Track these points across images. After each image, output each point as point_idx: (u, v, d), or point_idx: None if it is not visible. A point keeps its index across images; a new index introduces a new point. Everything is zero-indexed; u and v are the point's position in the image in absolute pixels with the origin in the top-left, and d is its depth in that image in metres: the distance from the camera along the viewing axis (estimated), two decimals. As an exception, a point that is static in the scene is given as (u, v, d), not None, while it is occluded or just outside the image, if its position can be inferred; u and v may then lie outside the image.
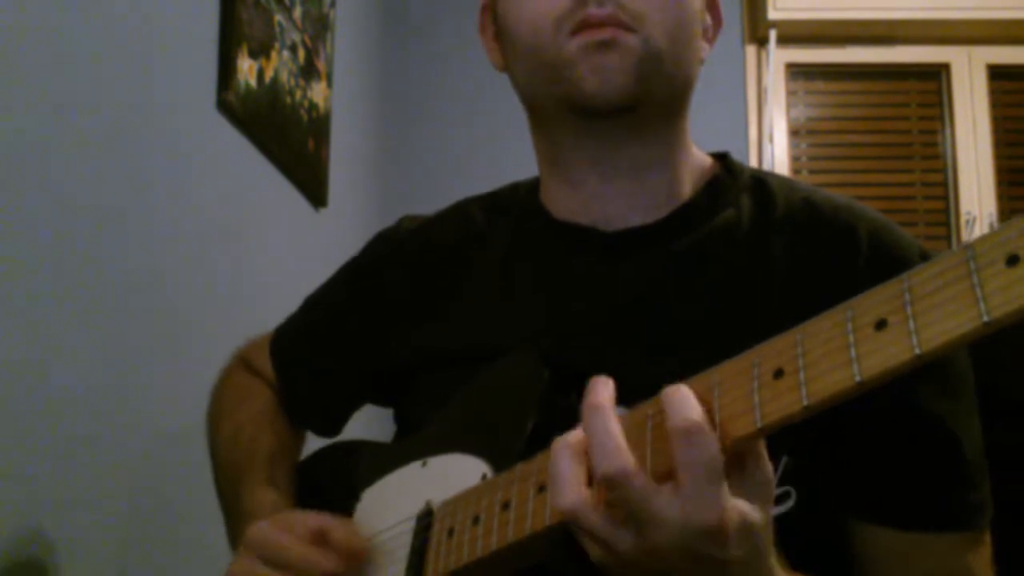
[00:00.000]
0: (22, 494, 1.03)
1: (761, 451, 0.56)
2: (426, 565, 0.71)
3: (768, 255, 0.79)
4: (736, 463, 0.55)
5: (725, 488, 0.53)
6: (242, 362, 1.04)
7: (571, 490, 0.56)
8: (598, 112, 0.78)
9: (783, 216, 0.81)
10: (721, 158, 0.88)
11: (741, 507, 0.54)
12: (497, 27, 0.87)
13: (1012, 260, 0.44)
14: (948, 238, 2.78)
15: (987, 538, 0.75)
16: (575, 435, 0.58)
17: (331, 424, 1.00)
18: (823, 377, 0.50)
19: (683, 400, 0.54)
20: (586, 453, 0.56)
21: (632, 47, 0.76)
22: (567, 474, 0.57)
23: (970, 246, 0.46)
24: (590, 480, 0.56)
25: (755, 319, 0.73)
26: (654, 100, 0.79)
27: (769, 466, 0.56)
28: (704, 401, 0.55)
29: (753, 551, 0.55)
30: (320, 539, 0.74)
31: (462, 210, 0.95)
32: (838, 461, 0.73)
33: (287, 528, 0.75)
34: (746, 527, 0.54)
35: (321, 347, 0.97)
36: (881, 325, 0.48)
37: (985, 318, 0.44)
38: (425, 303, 0.89)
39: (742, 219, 0.81)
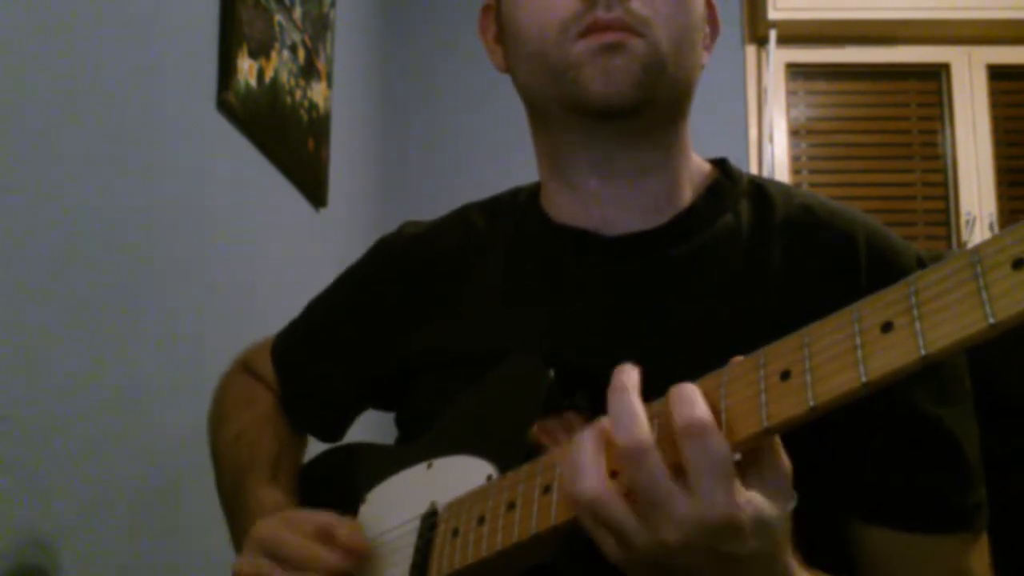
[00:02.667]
0: (23, 495, 1.03)
1: (776, 446, 0.56)
2: (430, 565, 0.71)
3: (767, 260, 0.79)
4: (752, 459, 0.55)
5: (736, 484, 0.53)
6: (244, 367, 1.04)
7: (592, 476, 0.55)
8: (602, 114, 0.79)
9: (782, 222, 0.81)
10: (719, 164, 0.88)
11: (755, 500, 0.54)
12: (500, 29, 0.87)
13: (1018, 263, 0.44)
14: (948, 238, 2.78)
15: (985, 539, 0.75)
16: (599, 424, 0.58)
17: (333, 429, 1.00)
18: (829, 379, 0.51)
19: (689, 399, 0.54)
20: (609, 442, 0.56)
21: (638, 51, 0.77)
22: (589, 460, 0.56)
23: (976, 249, 0.46)
24: (612, 474, 0.56)
25: (754, 323, 0.74)
26: (657, 104, 0.80)
27: (786, 460, 0.56)
28: (711, 401, 0.55)
29: (769, 543, 0.55)
30: (325, 537, 0.74)
31: (463, 216, 0.95)
32: (839, 463, 0.74)
33: (292, 525, 0.76)
34: (761, 520, 0.54)
35: (323, 352, 0.98)
36: (887, 327, 0.49)
37: (991, 320, 0.45)
38: (427, 308, 0.89)
39: (741, 224, 0.82)
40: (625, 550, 0.56)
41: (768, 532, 0.54)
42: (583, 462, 0.56)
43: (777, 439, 0.56)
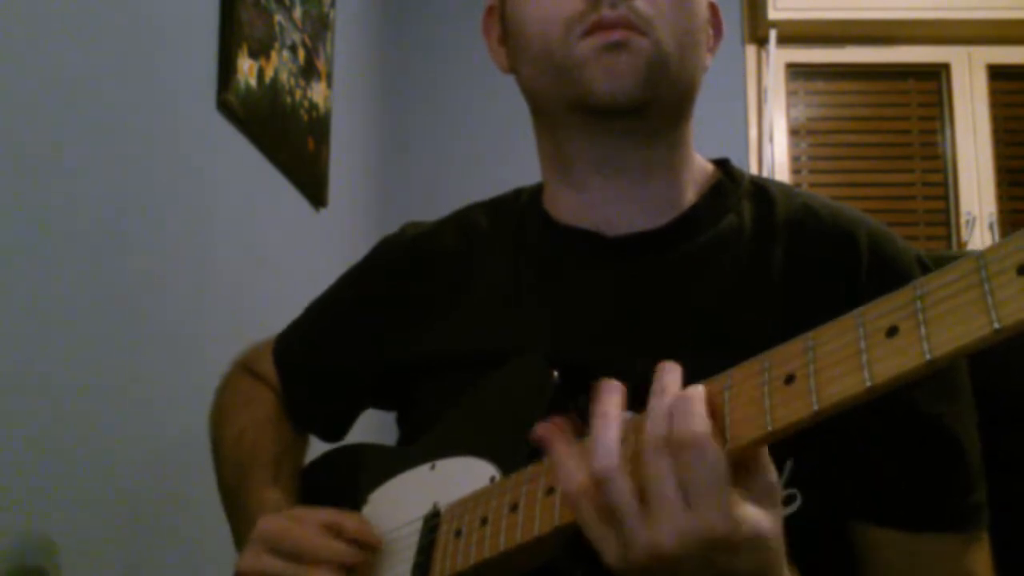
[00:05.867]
0: (23, 495, 1.03)
1: (764, 454, 0.56)
2: (432, 565, 0.71)
3: (769, 261, 0.80)
4: (740, 468, 0.55)
5: (734, 497, 0.53)
6: (245, 367, 1.04)
7: (611, 452, 0.55)
8: (606, 113, 0.79)
9: (784, 222, 0.82)
10: (721, 164, 0.89)
11: (752, 515, 0.53)
12: (504, 29, 0.87)
13: (1023, 269, 0.44)
14: (948, 238, 2.78)
15: (986, 539, 0.75)
16: (623, 415, 0.57)
17: (335, 428, 1.00)
18: (834, 383, 0.51)
19: (690, 411, 0.54)
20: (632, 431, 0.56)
21: (642, 50, 0.77)
22: (612, 438, 0.56)
23: (981, 255, 0.46)
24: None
25: (757, 324, 0.74)
26: (661, 103, 0.80)
27: (773, 469, 0.56)
28: (715, 405, 0.55)
29: (764, 563, 0.54)
30: (333, 530, 0.74)
31: (465, 217, 0.95)
32: (842, 464, 0.74)
33: (298, 520, 0.76)
34: (757, 537, 0.53)
35: (324, 352, 0.98)
36: (892, 332, 0.49)
37: (996, 325, 0.45)
38: (429, 309, 0.89)
39: (744, 225, 0.82)
40: (623, 548, 0.55)
41: (764, 546, 0.54)
42: (607, 439, 0.55)
43: (764, 450, 0.56)
